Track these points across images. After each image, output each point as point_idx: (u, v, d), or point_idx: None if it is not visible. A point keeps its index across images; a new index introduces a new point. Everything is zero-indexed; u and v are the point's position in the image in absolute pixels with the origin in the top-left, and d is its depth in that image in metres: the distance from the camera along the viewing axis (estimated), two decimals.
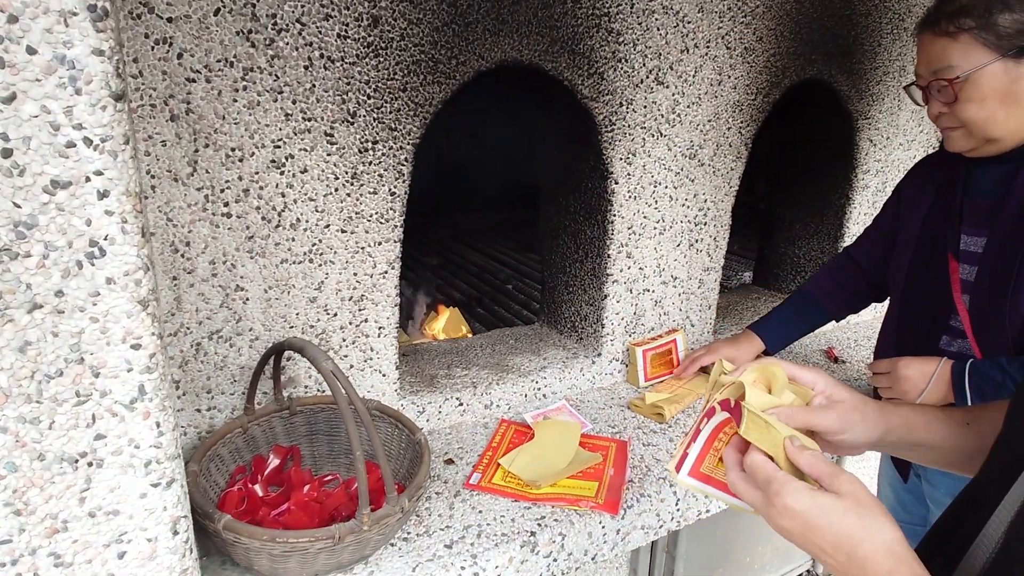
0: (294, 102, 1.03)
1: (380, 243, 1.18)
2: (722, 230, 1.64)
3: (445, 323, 2.01)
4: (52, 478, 0.64)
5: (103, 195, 0.60)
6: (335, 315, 1.18)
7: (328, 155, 1.08)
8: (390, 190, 1.16)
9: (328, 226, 1.12)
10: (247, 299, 1.09)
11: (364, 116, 1.09)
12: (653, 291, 1.58)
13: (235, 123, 0.99)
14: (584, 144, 1.43)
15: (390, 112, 1.11)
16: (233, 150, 1.01)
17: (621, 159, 1.41)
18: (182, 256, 1.02)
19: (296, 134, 1.04)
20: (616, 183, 1.42)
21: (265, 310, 1.11)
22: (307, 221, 1.09)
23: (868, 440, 0.63)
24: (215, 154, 0.99)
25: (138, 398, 0.67)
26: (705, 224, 1.60)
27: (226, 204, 1.03)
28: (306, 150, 1.06)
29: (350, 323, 1.20)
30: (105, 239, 0.61)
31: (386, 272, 1.20)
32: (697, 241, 1.61)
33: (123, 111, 0.60)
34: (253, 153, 1.02)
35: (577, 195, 1.53)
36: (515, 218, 3.70)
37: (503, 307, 2.47)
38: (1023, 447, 0.50)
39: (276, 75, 1.00)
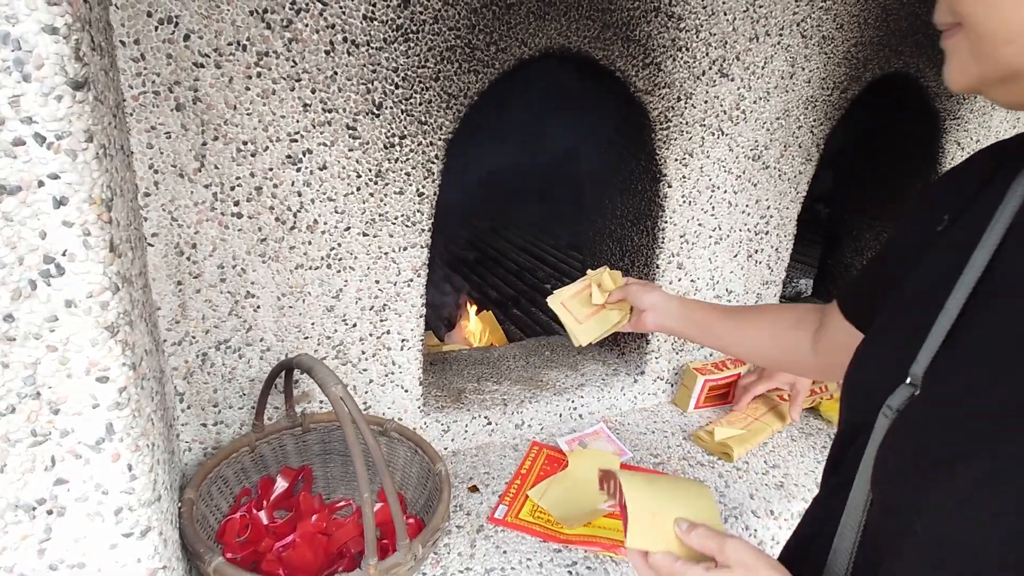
0: (313, 91, 0.92)
1: (405, 248, 1.07)
2: (785, 240, 1.48)
3: (478, 328, 1.90)
4: (5, 527, 0.56)
5: (60, 203, 0.50)
6: (354, 326, 1.08)
7: (350, 151, 0.97)
8: (418, 190, 1.04)
9: (348, 229, 1.01)
10: (258, 307, 0.99)
11: (391, 108, 0.98)
12: None
13: (248, 114, 0.89)
14: (635, 142, 1.29)
15: (420, 104, 0.99)
16: (245, 144, 0.91)
17: (676, 160, 1.26)
18: (188, 259, 0.93)
19: (315, 127, 0.94)
20: (669, 186, 1.28)
21: (278, 319, 1.01)
22: (325, 223, 0.99)
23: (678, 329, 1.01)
24: (225, 148, 0.90)
25: (105, 438, 0.57)
26: (767, 233, 1.45)
27: (236, 203, 0.93)
28: (326, 145, 0.95)
29: (370, 335, 1.10)
30: (64, 255, 0.51)
31: (411, 280, 1.09)
32: (756, 252, 1.45)
33: (85, 102, 0.49)
34: (267, 147, 0.92)
35: (625, 198, 1.39)
36: (557, 212, 3.56)
37: (540, 308, 2.34)
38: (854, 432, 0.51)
39: (294, 61, 0.90)
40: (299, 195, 0.96)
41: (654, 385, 1.45)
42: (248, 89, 0.88)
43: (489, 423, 1.27)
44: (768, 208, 1.42)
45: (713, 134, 1.28)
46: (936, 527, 0.38)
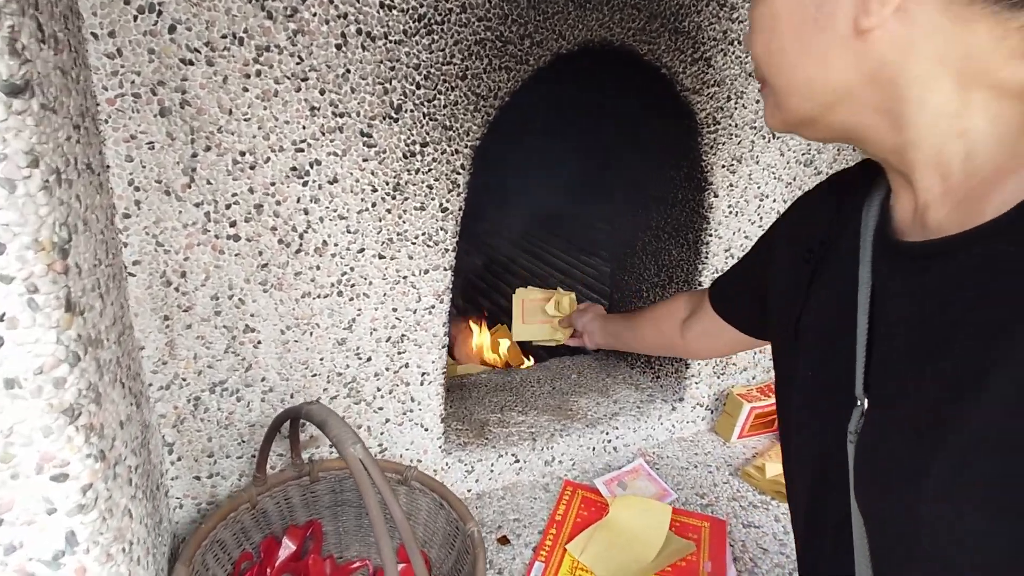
0: (322, 92, 0.78)
1: (427, 271, 0.94)
2: None
3: (494, 345, 1.76)
4: None
5: None
6: (368, 360, 0.94)
7: (364, 160, 0.84)
8: (441, 205, 0.91)
9: (362, 251, 0.88)
10: (259, 342, 0.86)
11: (411, 111, 0.84)
12: None
13: (245, 119, 0.76)
14: (677, 147, 1.16)
15: (445, 106, 0.86)
16: (243, 154, 0.77)
17: (724, 166, 1.13)
18: (176, 290, 0.79)
19: (324, 134, 0.80)
20: (715, 196, 1.15)
21: (281, 355, 0.88)
22: (336, 245, 0.86)
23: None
24: (219, 160, 0.76)
25: (66, 551, 0.44)
26: None
27: (233, 224, 0.79)
28: (336, 154, 0.82)
29: (387, 369, 0.96)
30: (2, 319, 0.38)
31: (433, 307, 0.96)
32: None
33: (26, 113, 0.36)
34: (268, 158, 0.78)
35: (662, 208, 1.26)
36: (567, 216, 3.43)
37: None
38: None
39: (299, 57, 0.76)
40: (306, 213, 0.83)
41: (693, 412, 1.32)
42: (246, 90, 0.75)
43: (517, 460, 1.14)
44: None
45: (764, 137, 1.15)
46: (937, 534, 0.39)
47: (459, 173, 0.91)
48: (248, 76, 0.74)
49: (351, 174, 0.84)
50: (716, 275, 1.21)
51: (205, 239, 0.79)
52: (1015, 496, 0.34)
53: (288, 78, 0.76)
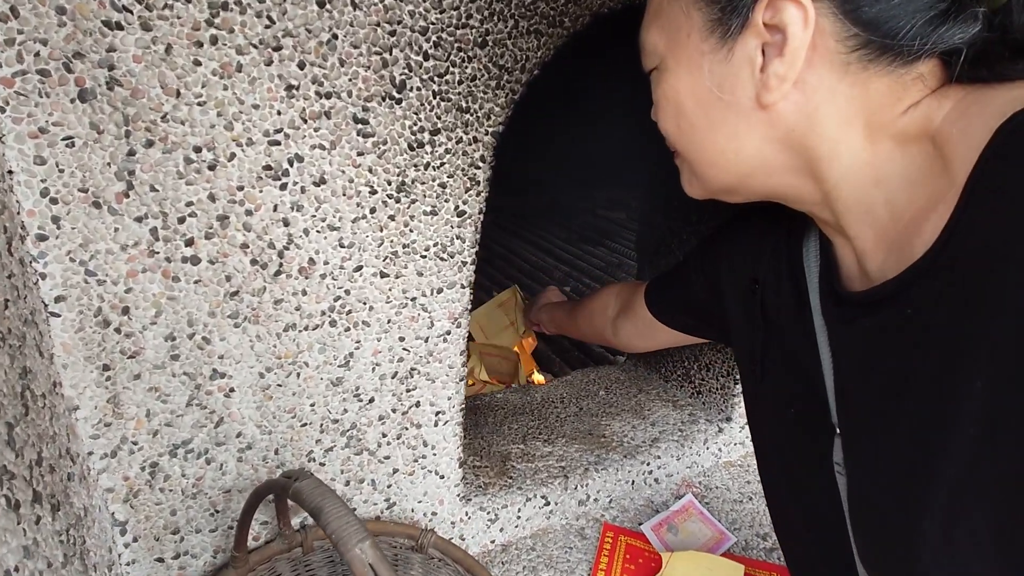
0: (301, 66, 0.59)
1: (440, 290, 0.75)
2: None
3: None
4: None
5: None
6: (371, 401, 0.76)
7: (359, 154, 0.65)
8: (457, 207, 0.73)
9: (360, 269, 0.69)
10: (231, 390, 0.67)
11: (418, 89, 0.65)
12: None
13: (199, 103, 0.57)
14: None
15: (460, 82, 0.67)
16: (198, 151, 0.58)
17: None
18: (118, 331, 0.60)
19: (306, 121, 0.61)
20: None
21: (261, 404, 0.70)
22: (326, 263, 0.67)
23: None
24: (166, 158, 0.57)
25: None
26: None
27: (190, 242, 0.61)
28: (323, 147, 0.63)
29: (393, 410, 0.78)
30: None
31: (448, 333, 0.78)
32: None
33: None
34: (233, 155, 0.59)
35: (700, 206, 1.08)
36: (563, 202, 3.24)
37: None
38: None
39: (269, 17, 0.57)
40: (285, 224, 0.64)
41: (741, 433, 1.15)
42: (198, 64, 0.56)
43: (547, 503, 0.97)
44: None
45: None
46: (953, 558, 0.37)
47: (478, 167, 0.72)
48: (200, 44, 0.55)
49: (343, 172, 0.65)
50: None
51: (152, 263, 0.60)
52: (1013, 541, 0.33)
53: (255, 47, 0.57)
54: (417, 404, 0.80)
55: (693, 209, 1.11)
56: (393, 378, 0.76)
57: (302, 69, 0.60)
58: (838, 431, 0.49)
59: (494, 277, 2.40)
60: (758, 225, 0.62)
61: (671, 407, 1.19)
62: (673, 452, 1.08)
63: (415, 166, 0.69)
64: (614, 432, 1.11)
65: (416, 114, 0.67)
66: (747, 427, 1.15)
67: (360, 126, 0.64)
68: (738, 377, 1.10)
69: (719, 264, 0.67)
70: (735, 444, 1.16)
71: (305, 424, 0.73)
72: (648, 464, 1.06)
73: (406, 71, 0.64)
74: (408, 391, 0.78)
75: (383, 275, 0.71)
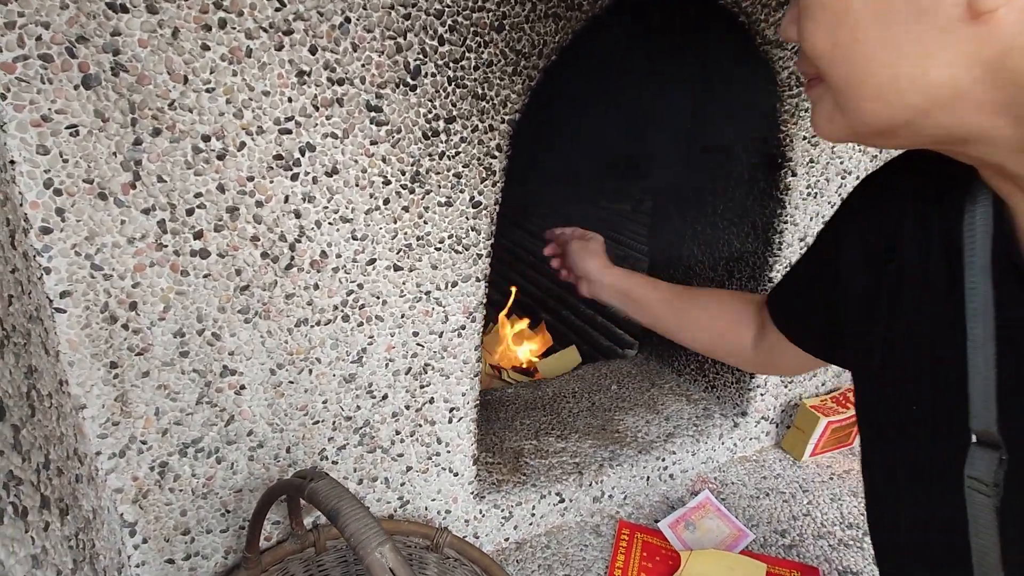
0: (313, 51, 0.57)
1: (455, 283, 0.73)
2: None
3: (513, 342, 1.57)
4: None
5: None
6: (384, 398, 0.74)
7: (373, 143, 0.63)
8: (472, 198, 0.70)
9: (373, 262, 0.67)
10: (242, 387, 0.66)
11: (433, 75, 0.63)
12: None
13: (208, 90, 0.54)
14: (748, 115, 0.95)
15: (476, 67, 0.65)
16: (207, 140, 0.56)
17: (805, 138, 0.93)
18: (125, 327, 0.58)
19: (318, 108, 0.59)
20: (793, 174, 0.95)
21: (272, 401, 0.68)
22: (339, 256, 0.65)
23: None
24: (173, 148, 0.55)
25: None
26: None
27: (199, 235, 0.58)
28: (335, 136, 0.61)
29: (407, 407, 0.76)
30: None
31: (463, 327, 0.76)
32: None
33: None
34: (243, 144, 0.57)
35: (722, 189, 1.06)
36: (568, 194, 3.22)
37: (572, 310, 2.02)
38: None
39: (280, 1, 0.54)
40: (297, 216, 0.62)
41: (757, 428, 1.14)
42: (206, 48, 0.53)
43: (561, 500, 0.95)
44: None
45: None
46: None
47: (494, 156, 0.70)
48: (208, 28, 0.53)
49: (355, 162, 0.63)
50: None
51: (161, 257, 0.58)
52: None
53: (265, 30, 0.55)
54: (431, 400, 0.78)
55: (707, 199, 1.09)
56: (407, 374, 0.74)
57: (314, 54, 0.57)
58: (974, 439, 0.41)
59: (496, 268, 2.38)
60: (899, 186, 0.49)
61: (685, 401, 1.17)
62: (688, 447, 1.06)
63: (430, 155, 0.66)
64: (628, 427, 1.09)
65: (431, 101, 0.64)
66: (763, 422, 1.13)
67: (373, 114, 0.62)
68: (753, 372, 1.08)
69: (845, 235, 0.53)
70: (750, 439, 1.14)
71: (317, 422, 0.71)
72: (663, 460, 1.04)
73: (421, 56, 0.62)
74: (422, 387, 0.76)
75: (397, 268, 0.69)
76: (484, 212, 0.72)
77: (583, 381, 1.24)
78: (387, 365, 0.73)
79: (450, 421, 0.80)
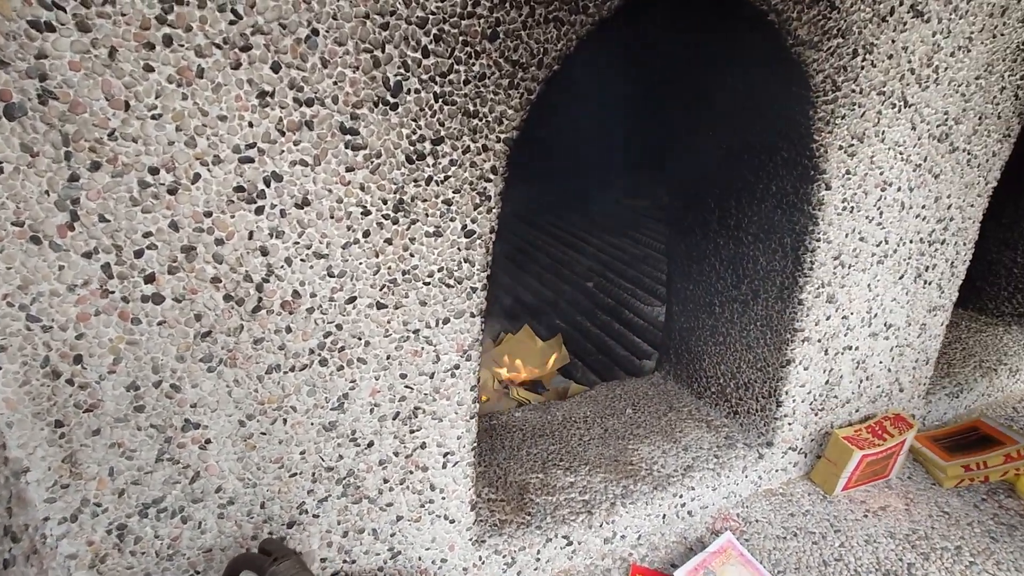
0: (276, 68, 0.50)
1: (447, 320, 0.66)
2: (964, 250, 1.06)
3: (522, 353, 1.49)
4: None
5: None
6: (369, 445, 0.67)
7: (349, 170, 0.55)
8: (465, 227, 0.63)
9: (353, 300, 0.60)
10: (207, 441, 0.59)
11: (416, 92, 0.55)
12: (857, 348, 1.02)
13: (153, 116, 0.48)
14: (778, 124, 0.86)
15: (466, 82, 0.57)
16: (154, 172, 0.49)
17: (841, 148, 0.84)
18: (70, 383, 0.52)
19: (284, 133, 0.52)
20: (827, 188, 0.85)
21: (243, 455, 0.61)
22: (313, 295, 0.58)
23: None
24: (116, 182, 0.48)
25: None
26: (943, 243, 1.02)
27: (150, 279, 0.52)
28: (305, 163, 0.54)
29: (396, 454, 0.69)
30: None
31: (457, 367, 0.69)
32: (927, 269, 1.03)
33: None
34: (198, 176, 0.50)
35: (747, 203, 0.97)
36: (584, 190, 3.12)
37: (586, 314, 1.94)
38: None
39: (235, 11, 0.47)
40: (263, 253, 0.55)
41: (784, 458, 1.05)
42: (150, 70, 0.46)
43: (569, 543, 0.88)
44: (949, 208, 0.99)
45: (894, 106, 0.85)
46: None
47: (489, 179, 0.62)
48: (152, 47, 0.46)
49: (329, 191, 0.55)
50: (822, 289, 0.92)
51: (107, 305, 0.51)
52: None
53: (219, 47, 0.48)
54: (423, 446, 0.71)
55: (732, 213, 1.00)
56: (395, 419, 0.68)
57: (277, 72, 0.50)
58: None
59: (507, 268, 2.31)
60: None
61: (705, 428, 1.09)
62: (708, 481, 0.98)
63: (415, 181, 0.59)
64: (643, 458, 1.01)
65: (415, 121, 0.57)
66: (790, 452, 1.05)
67: (348, 137, 0.55)
68: (781, 399, 0.99)
69: None
70: (777, 471, 1.05)
71: (295, 474, 0.64)
72: (680, 496, 0.96)
73: (402, 71, 0.54)
74: (412, 432, 0.69)
75: (380, 306, 0.62)
76: (478, 242, 0.64)
77: (595, 404, 1.17)
78: (372, 410, 0.66)
79: (444, 466, 0.73)
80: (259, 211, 0.53)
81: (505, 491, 0.93)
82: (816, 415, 1.04)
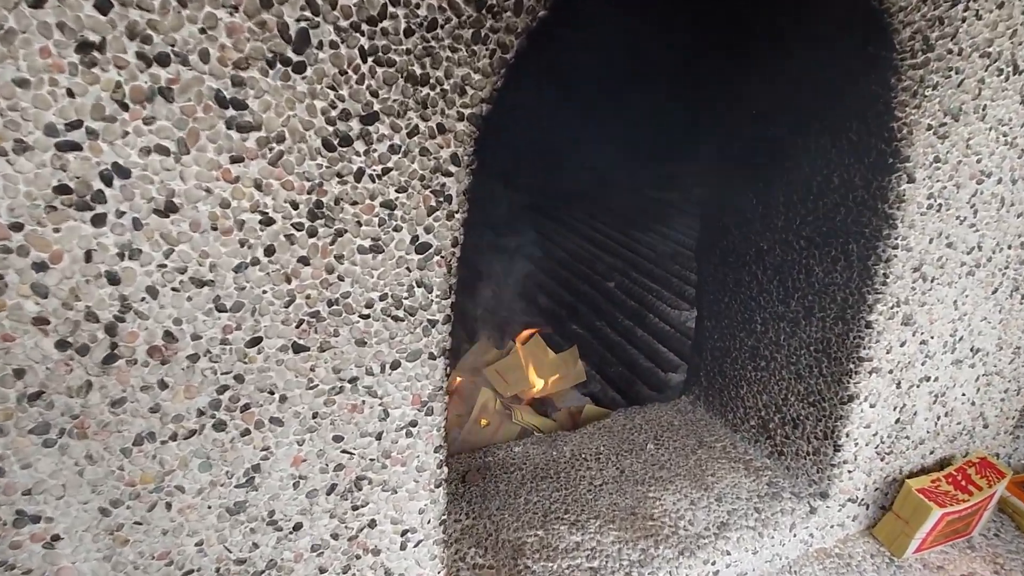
0: (105, 7, 0.33)
1: (396, 364, 0.49)
2: None
3: (524, 368, 1.31)
4: None
5: None
6: (296, 528, 0.51)
7: (235, 160, 0.38)
8: (416, 238, 0.45)
9: (257, 342, 0.43)
10: (55, 537, 0.43)
11: (333, 45, 0.38)
12: (936, 378, 0.82)
13: None
14: (848, 93, 0.67)
15: (408, 32, 0.39)
16: None
17: (930, 128, 0.64)
18: None
19: (126, 106, 0.35)
20: (910, 180, 0.66)
21: (110, 552, 0.45)
22: (196, 337, 0.41)
23: None
24: None
25: None
26: None
27: None
28: (165, 151, 0.37)
29: (334, 537, 0.53)
30: None
31: (414, 424, 0.51)
32: None
33: None
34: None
35: (800, 197, 0.78)
36: (607, 180, 2.92)
37: (608, 320, 1.76)
38: None
39: None
40: (112, 281, 0.38)
41: (841, 512, 0.86)
42: None
43: None
44: None
45: (1000, 72, 0.64)
46: None
47: (448, 173, 0.45)
48: None
49: (207, 191, 0.38)
50: (897, 308, 0.73)
51: None
52: None
53: None
54: (372, 524, 0.54)
55: (779, 210, 0.81)
56: (330, 494, 0.51)
57: (105, 13, 0.33)
58: None
59: (527, 270, 2.13)
60: None
61: (743, 471, 0.90)
62: (747, 543, 0.80)
63: (338, 176, 0.41)
64: (666, 511, 0.83)
65: (333, 90, 0.39)
66: (848, 504, 0.85)
67: (232, 113, 0.37)
68: (840, 442, 0.80)
69: None
70: (833, 526, 0.86)
71: (191, 571, 0.48)
72: (713, 563, 0.78)
73: (307, 14, 0.37)
74: (356, 509, 0.52)
75: (299, 349, 0.45)
76: (436, 259, 0.47)
77: (611, 436, 0.99)
78: (296, 485, 0.49)
79: (403, 547, 0.56)
80: (98, 221, 0.37)
81: (496, 554, 0.76)
82: (883, 460, 0.85)
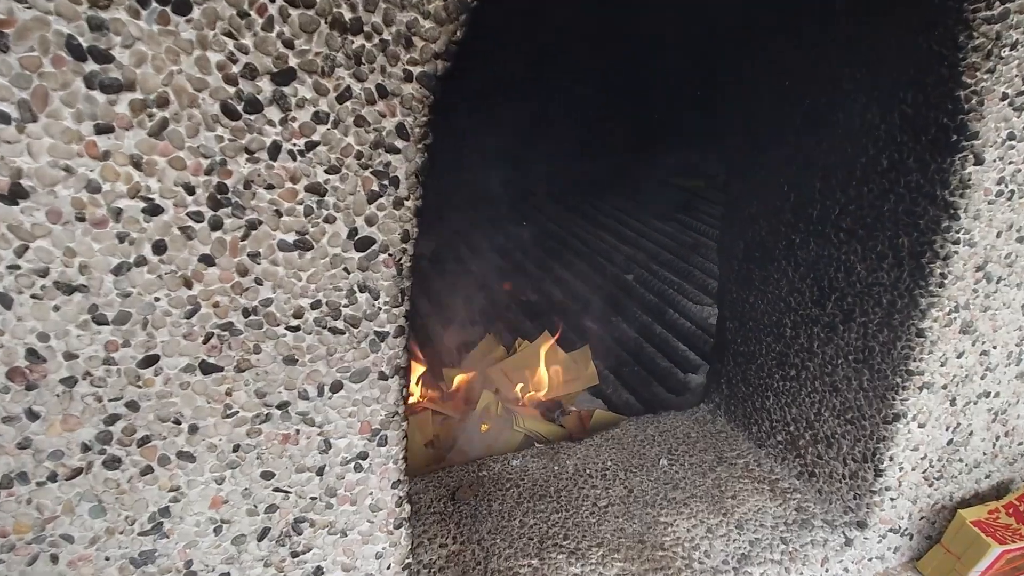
0: None
1: (338, 385, 0.39)
2: None
3: (533, 370, 1.22)
4: None
5: None
6: None
7: (101, 131, 0.29)
8: (354, 231, 0.36)
9: (153, 361, 0.34)
10: None
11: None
12: (997, 394, 0.71)
13: None
14: (903, 55, 0.55)
15: None
16: None
17: (1006, 98, 0.52)
18: None
19: None
20: (977, 161, 0.54)
21: None
22: (72, 357, 0.33)
23: None
24: None
25: None
26: None
27: None
28: (3, 117, 0.28)
29: None
30: None
31: (364, 456, 0.42)
32: None
33: None
34: None
35: (839, 182, 0.66)
36: (628, 168, 2.81)
37: (625, 316, 1.65)
38: None
39: None
40: None
41: (881, 544, 0.75)
42: None
43: None
44: None
45: None
46: None
47: (394, 149, 0.35)
48: None
49: (67, 171, 0.30)
50: (955, 314, 0.61)
51: None
52: None
53: None
54: (318, 572, 0.45)
55: (816, 198, 0.70)
56: (262, 539, 0.42)
57: None
58: None
59: (544, 263, 2.02)
60: None
61: (768, 494, 0.79)
62: None
63: (247, 152, 0.32)
64: (679, 539, 0.73)
65: (231, 37, 0.30)
66: (889, 535, 0.75)
67: (93, 67, 0.28)
68: (882, 466, 0.69)
69: None
70: (872, 559, 0.75)
71: None
72: None
73: None
74: (296, 556, 0.44)
75: (208, 369, 0.36)
76: (382, 257, 0.37)
77: (620, 449, 0.89)
78: (218, 530, 0.40)
79: None
80: None
81: None
82: (931, 485, 0.74)
